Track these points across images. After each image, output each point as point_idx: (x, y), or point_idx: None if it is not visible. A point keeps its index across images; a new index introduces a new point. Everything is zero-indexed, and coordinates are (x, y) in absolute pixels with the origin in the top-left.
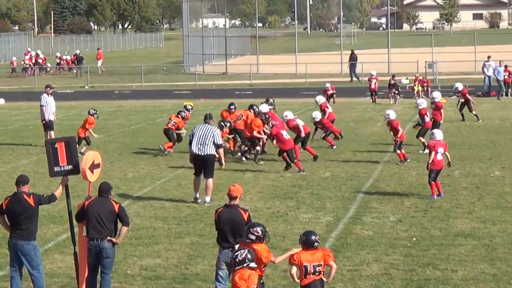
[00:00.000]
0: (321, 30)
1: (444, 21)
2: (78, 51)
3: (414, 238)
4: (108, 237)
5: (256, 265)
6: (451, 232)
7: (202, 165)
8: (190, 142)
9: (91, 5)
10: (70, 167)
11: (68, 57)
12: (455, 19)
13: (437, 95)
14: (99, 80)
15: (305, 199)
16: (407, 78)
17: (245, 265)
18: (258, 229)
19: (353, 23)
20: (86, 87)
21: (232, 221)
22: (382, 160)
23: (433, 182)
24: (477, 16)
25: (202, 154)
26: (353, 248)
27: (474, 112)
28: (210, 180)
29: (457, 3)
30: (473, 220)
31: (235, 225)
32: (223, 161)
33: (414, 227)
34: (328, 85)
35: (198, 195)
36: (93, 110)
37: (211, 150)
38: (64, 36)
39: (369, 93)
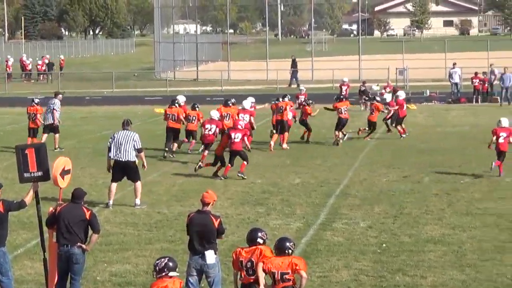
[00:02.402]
0: (292, 36)
1: (415, 28)
2: (48, 56)
3: (384, 245)
4: (78, 243)
5: (177, 274)
6: (421, 238)
7: (122, 171)
8: (110, 149)
9: (62, 10)
10: (40, 173)
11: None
12: (426, 26)
13: (401, 93)
14: (70, 86)
15: (275, 206)
16: (377, 85)
17: (164, 274)
18: (264, 233)
19: (324, 30)
20: None
21: (203, 227)
22: (352, 166)
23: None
24: (448, 23)
25: (122, 160)
26: (323, 255)
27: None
28: (138, 183)
29: (428, 10)
30: (443, 227)
31: (206, 231)
32: (145, 163)
33: (384, 234)
34: (302, 87)
35: (111, 202)
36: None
37: (131, 156)
38: (35, 41)
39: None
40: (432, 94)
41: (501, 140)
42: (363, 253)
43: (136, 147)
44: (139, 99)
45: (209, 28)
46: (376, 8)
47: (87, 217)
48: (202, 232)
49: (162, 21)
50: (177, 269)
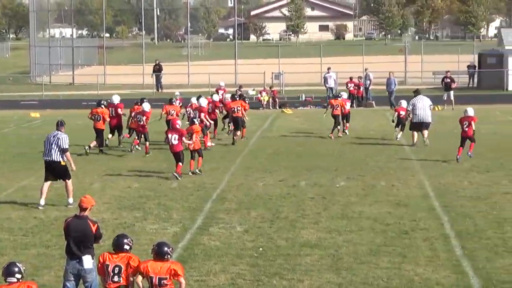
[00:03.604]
0: (168, 40)
1: (291, 33)
2: None
3: (260, 249)
4: None
5: (20, 279)
6: (297, 242)
7: (51, 171)
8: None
9: None
10: None
11: None
12: (302, 30)
13: (342, 93)
14: None
15: (152, 210)
16: (253, 89)
17: (8, 279)
18: (130, 239)
19: (200, 34)
20: None
21: (80, 232)
22: (229, 171)
23: (460, 147)
24: (324, 28)
25: (49, 160)
26: (200, 259)
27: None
28: (69, 183)
29: (304, 15)
30: (319, 230)
31: (83, 236)
32: (72, 164)
33: (260, 238)
34: (177, 93)
35: (43, 202)
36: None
37: (56, 156)
38: None
39: None
40: (307, 99)
41: (465, 128)
42: (240, 257)
43: (60, 147)
44: (14, 104)
45: (85, 32)
46: (252, 13)
47: None
48: (79, 237)
49: (37, 25)
50: (19, 274)
